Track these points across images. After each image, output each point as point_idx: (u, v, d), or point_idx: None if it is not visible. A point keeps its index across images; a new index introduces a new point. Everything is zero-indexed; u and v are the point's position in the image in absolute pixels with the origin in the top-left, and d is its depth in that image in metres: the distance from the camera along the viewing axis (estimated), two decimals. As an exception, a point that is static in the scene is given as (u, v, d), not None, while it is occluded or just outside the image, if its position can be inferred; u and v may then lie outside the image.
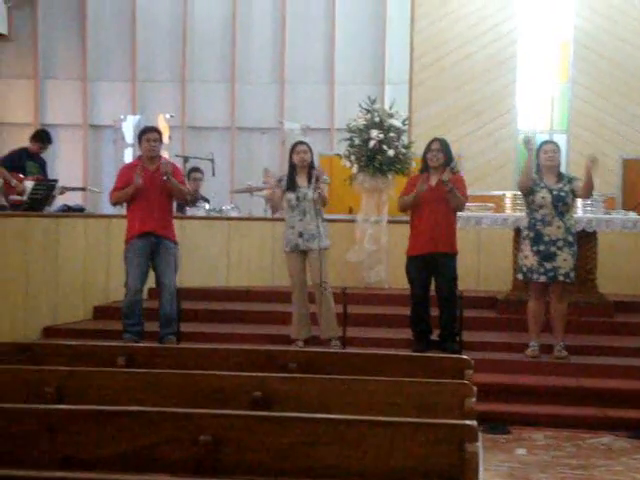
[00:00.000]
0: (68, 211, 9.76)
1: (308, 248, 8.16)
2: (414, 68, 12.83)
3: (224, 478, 3.35)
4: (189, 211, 10.87)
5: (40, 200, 9.26)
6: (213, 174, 11.78)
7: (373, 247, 10.46)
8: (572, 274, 7.80)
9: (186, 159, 11.72)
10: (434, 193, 7.97)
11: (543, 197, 7.76)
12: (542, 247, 7.75)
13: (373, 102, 10.68)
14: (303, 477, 3.36)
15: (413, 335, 8.11)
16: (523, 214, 8.38)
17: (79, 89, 15.42)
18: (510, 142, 12.68)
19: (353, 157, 10.45)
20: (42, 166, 10.33)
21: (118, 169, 9.32)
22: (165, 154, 9.32)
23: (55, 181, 9.85)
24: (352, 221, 10.76)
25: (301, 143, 8.35)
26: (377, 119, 10.45)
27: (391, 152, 10.32)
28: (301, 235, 8.17)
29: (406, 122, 10.89)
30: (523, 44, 12.74)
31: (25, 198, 9.22)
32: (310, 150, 8.27)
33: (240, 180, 14.31)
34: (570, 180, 7.90)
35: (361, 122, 10.49)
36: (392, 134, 10.43)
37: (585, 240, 8.98)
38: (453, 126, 12.36)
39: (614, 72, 12.41)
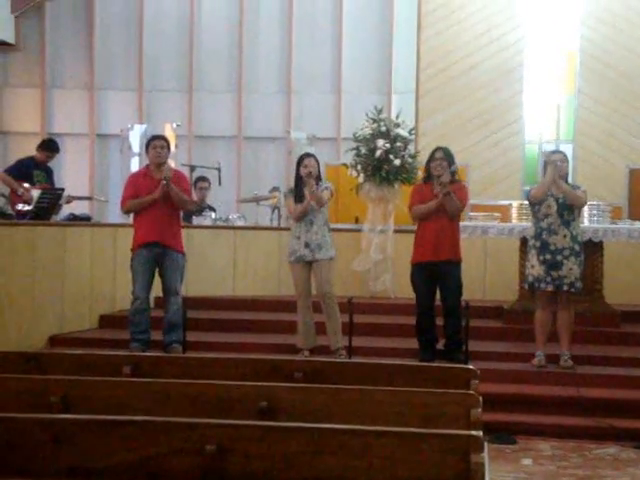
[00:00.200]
0: (74, 220, 9.76)
1: (314, 259, 8.16)
2: (420, 78, 12.82)
3: (229, 488, 3.36)
4: (195, 220, 10.89)
5: (47, 209, 9.26)
6: (220, 183, 11.79)
7: (379, 256, 10.45)
8: (578, 284, 7.79)
9: (193, 168, 11.72)
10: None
11: (549, 206, 7.77)
12: (548, 256, 7.75)
13: (380, 111, 10.69)
14: (309, 487, 3.36)
15: (419, 345, 8.10)
16: (529, 224, 8.39)
17: (86, 98, 15.43)
18: (517, 152, 12.66)
19: (359, 167, 10.45)
20: (49, 175, 10.32)
21: (125, 178, 9.33)
22: (172, 163, 9.32)
23: (62, 190, 9.86)
24: (358, 230, 10.76)
25: (308, 156, 8.35)
26: (383, 128, 10.46)
27: (397, 162, 10.33)
28: (307, 245, 8.16)
29: (412, 132, 10.91)
30: (529, 54, 12.72)
31: (32, 207, 9.22)
32: (317, 163, 8.29)
33: (247, 189, 14.30)
34: (574, 189, 7.92)
35: (367, 131, 10.50)
36: (398, 144, 10.44)
37: (591, 250, 8.98)
38: (459, 136, 12.34)
39: (620, 81, 12.39)
